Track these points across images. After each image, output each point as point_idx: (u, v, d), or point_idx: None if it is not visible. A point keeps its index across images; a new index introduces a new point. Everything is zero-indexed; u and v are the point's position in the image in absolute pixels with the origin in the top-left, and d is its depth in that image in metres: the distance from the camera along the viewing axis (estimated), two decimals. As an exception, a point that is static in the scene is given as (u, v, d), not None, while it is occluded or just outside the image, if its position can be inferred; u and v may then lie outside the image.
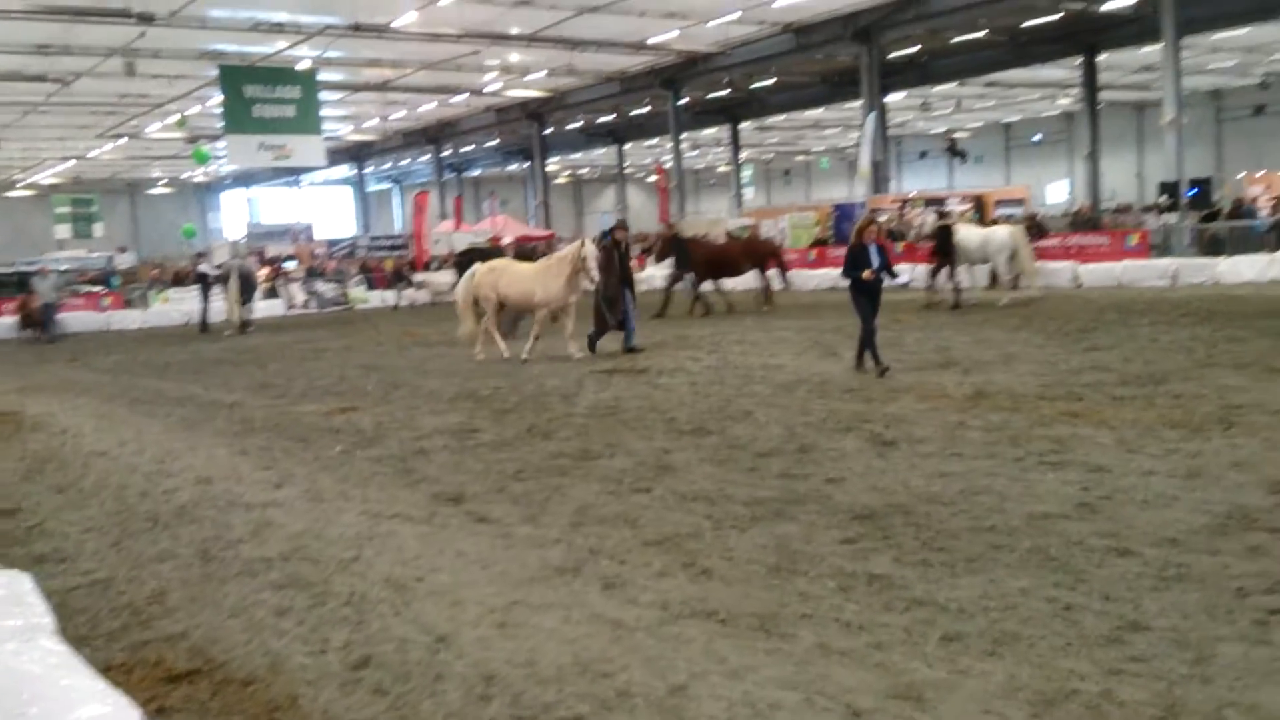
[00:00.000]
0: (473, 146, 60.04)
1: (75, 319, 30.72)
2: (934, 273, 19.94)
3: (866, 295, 12.02)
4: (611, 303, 15.58)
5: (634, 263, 18.39)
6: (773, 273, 22.95)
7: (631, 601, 5.07)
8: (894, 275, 12.60)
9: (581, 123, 51.98)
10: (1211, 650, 4.17)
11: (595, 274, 15.10)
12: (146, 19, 24.49)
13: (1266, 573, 4.90)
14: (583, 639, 4.66)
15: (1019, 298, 19.50)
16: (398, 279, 35.89)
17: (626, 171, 59.34)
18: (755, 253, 23.47)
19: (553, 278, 15.34)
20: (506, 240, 20.89)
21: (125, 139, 46.00)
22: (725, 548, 5.80)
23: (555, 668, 4.38)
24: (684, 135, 43.75)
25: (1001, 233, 20.09)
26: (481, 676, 4.35)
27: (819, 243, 34.18)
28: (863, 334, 12.09)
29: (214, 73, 30.92)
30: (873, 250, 12.03)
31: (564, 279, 15.21)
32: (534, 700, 4.12)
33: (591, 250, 15.24)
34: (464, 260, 19.14)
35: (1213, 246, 24.37)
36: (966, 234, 19.86)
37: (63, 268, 35.55)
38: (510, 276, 15.79)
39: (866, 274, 11.89)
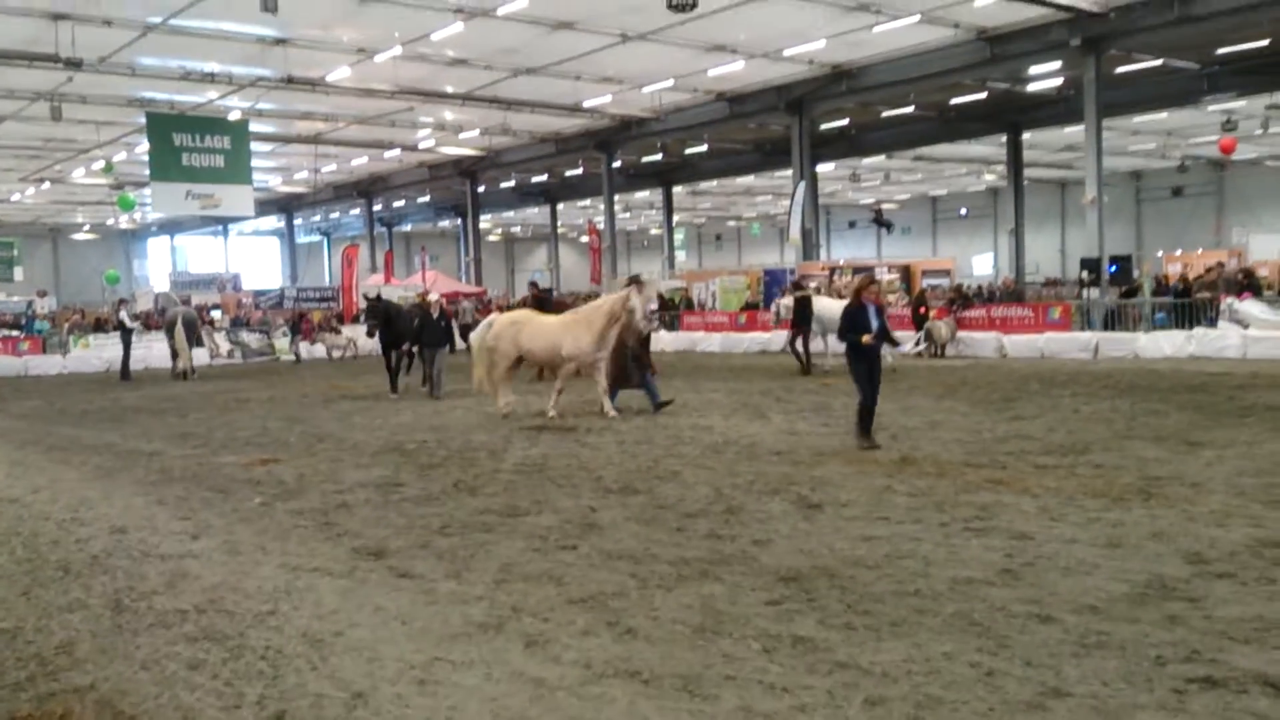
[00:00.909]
0: (404, 201, 60.08)
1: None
2: (792, 340, 21.43)
3: (866, 362, 11.09)
4: (638, 359, 14.98)
5: None
6: None
7: (554, 660, 5.00)
8: (894, 342, 11.86)
9: (514, 182, 52.29)
10: (1130, 718, 4.21)
11: (644, 325, 14.39)
12: (74, 64, 24.17)
13: (1184, 642, 4.97)
14: (503, 697, 4.57)
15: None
16: (294, 331, 35.05)
17: (559, 231, 59.65)
18: None
19: (583, 330, 14.34)
20: (433, 297, 20.79)
21: (49, 183, 45.22)
22: (650, 607, 5.75)
23: (475, 727, 4.29)
24: (617, 197, 44.22)
25: None
26: (399, 735, 4.24)
27: (749, 306, 34.55)
28: (861, 405, 11.11)
29: (142, 120, 30.60)
30: (871, 312, 11.09)
31: (596, 332, 14.23)
32: (453, 760, 4.02)
33: (639, 302, 14.21)
34: (371, 312, 19.25)
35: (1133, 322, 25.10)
36: (825, 305, 21.01)
37: None
38: (534, 329, 14.71)
39: (866, 339, 10.90)
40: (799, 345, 21.11)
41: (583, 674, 4.81)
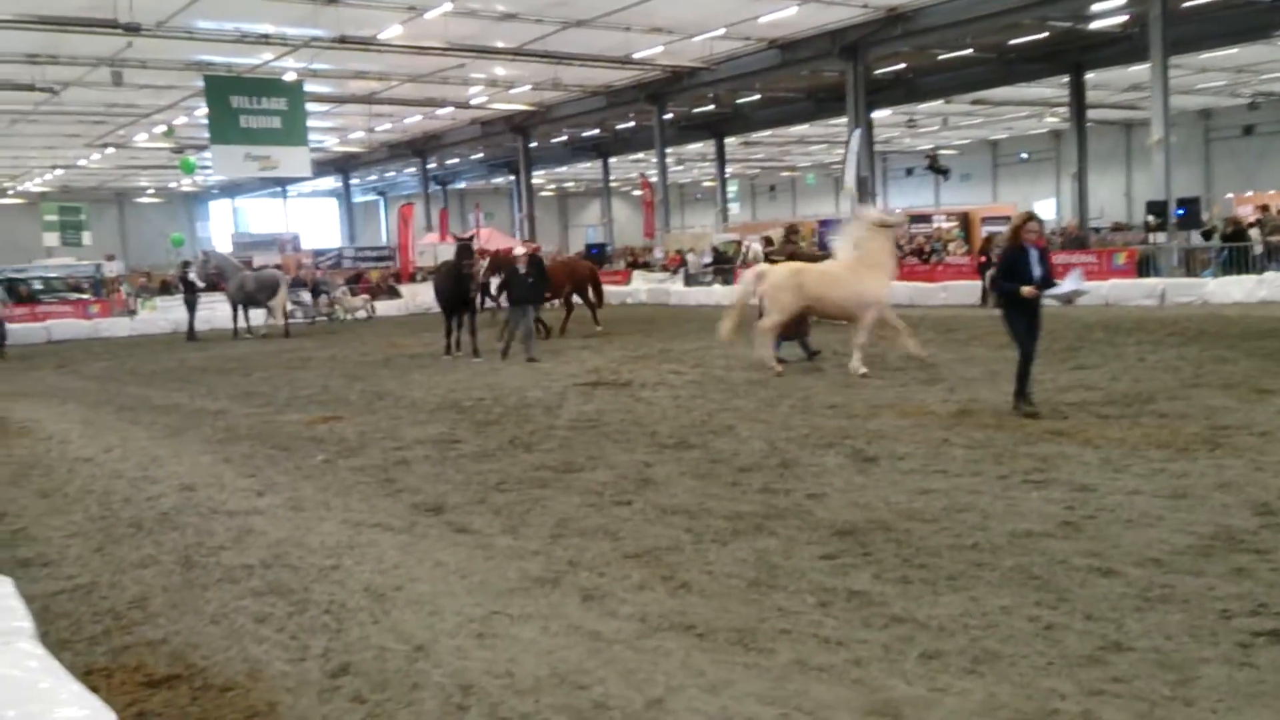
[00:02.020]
0: (458, 159, 60.12)
1: (62, 326, 30.77)
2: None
3: (1025, 315, 9.65)
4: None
5: None
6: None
7: (610, 614, 5.05)
8: (1056, 287, 9.85)
9: (566, 136, 52.09)
10: (1194, 672, 4.16)
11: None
12: (133, 29, 24.43)
13: (1251, 595, 4.89)
14: (560, 650, 4.64)
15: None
16: (312, 290, 33.88)
17: (611, 185, 59.43)
18: (575, 274, 22.96)
19: (881, 274, 13.31)
20: (519, 250, 20.57)
21: (113, 148, 45.92)
22: (705, 562, 5.78)
23: (533, 678, 4.37)
24: (669, 150, 43.87)
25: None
26: (459, 686, 4.33)
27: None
28: (1020, 363, 9.85)
29: (200, 83, 30.92)
30: (1033, 256, 9.56)
31: (889, 274, 13.50)
32: (511, 710, 4.10)
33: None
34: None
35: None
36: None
37: (11, 276, 34.77)
38: (826, 277, 13.48)
39: (1027, 291, 9.39)
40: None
41: (638, 628, 4.86)
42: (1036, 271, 9.50)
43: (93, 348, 26.70)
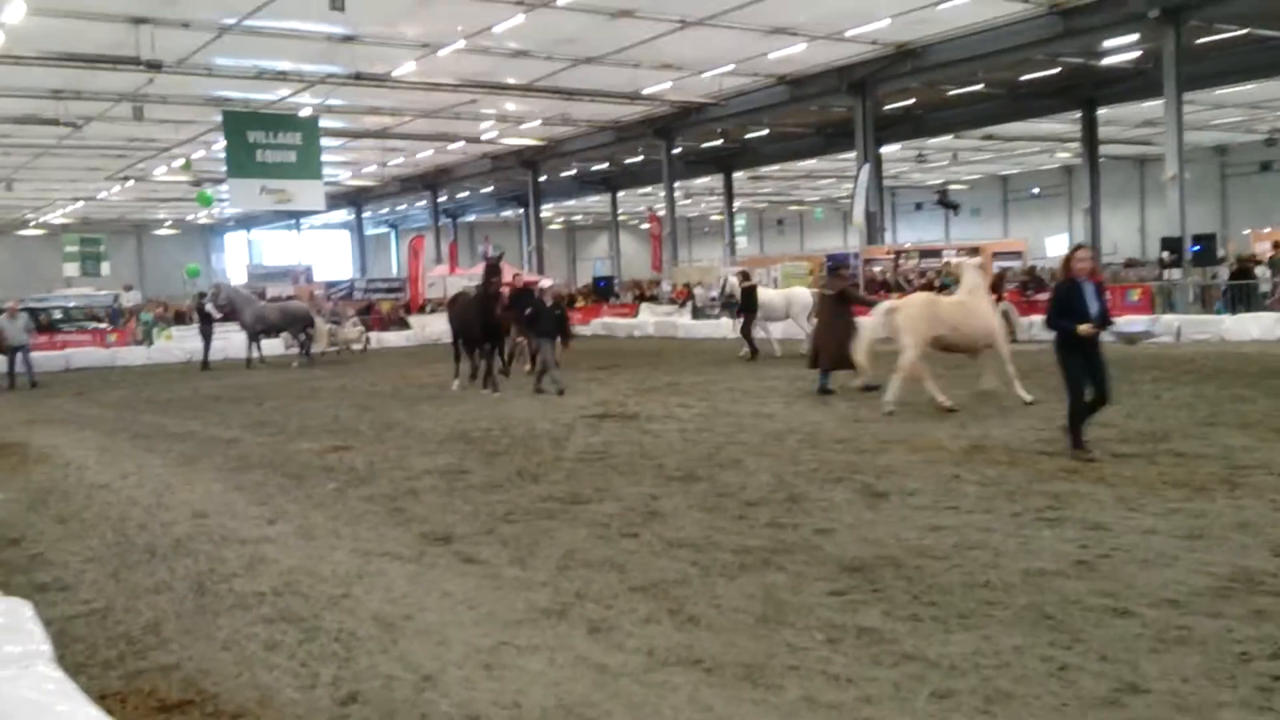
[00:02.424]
0: (468, 193, 60.58)
1: (81, 355, 31.03)
2: (743, 328, 22.39)
3: (1081, 355, 8.98)
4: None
5: None
6: None
7: (617, 647, 5.03)
8: (1110, 324, 9.37)
9: (575, 170, 52.40)
10: (1212, 716, 4.10)
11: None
12: (155, 66, 24.88)
13: (1270, 637, 4.81)
14: (567, 682, 4.62)
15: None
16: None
17: (619, 219, 59.73)
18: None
19: (990, 309, 13.74)
20: (546, 284, 20.24)
21: (133, 181, 46.44)
22: (712, 596, 5.76)
23: (539, 710, 4.35)
24: (677, 184, 44.01)
25: (803, 293, 23.00)
26: (466, 716, 4.32)
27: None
28: (1072, 405, 9.14)
29: (219, 118, 31.29)
30: (1088, 291, 8.95)
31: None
32: (518, 745, 4.07)
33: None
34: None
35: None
36: (770, 294, 22.99)
37: (33, 306, 34.84)
38: (963, 310, 13.29)
39: (1084, 329, 8.79)
40: (748, 331, 22.29)
41: (645, 661, 4.83)
42: (1093, 307, 8.88)
43: (110, 376, 26.84)
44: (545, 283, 19.29)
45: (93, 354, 31.48)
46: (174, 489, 9.73)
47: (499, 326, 17.47)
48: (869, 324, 13.85)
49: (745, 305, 22.08)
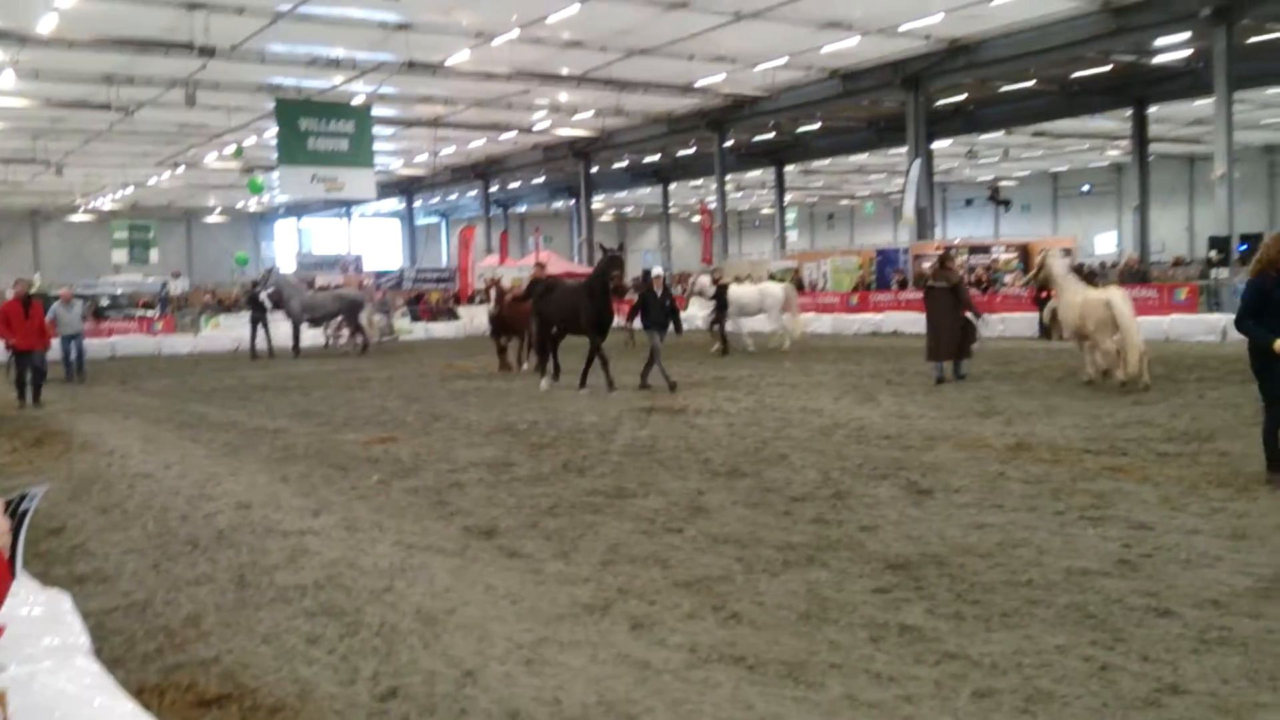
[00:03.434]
0: (519, 183, 60.78)
1: (127, 343, 31.36)
2: (713, 323, 23.39)
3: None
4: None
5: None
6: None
7: (659, 643, 5.04)
8: None
9: (627, 162, 52.46)
10: (1251, 717, 4.07)
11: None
12: (208, 52, 25.17)
13: (1312, 639, 4.78)
14: (609, 679, 4.64)
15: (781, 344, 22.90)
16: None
17: (670, 211, 59.66)
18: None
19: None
20: (657, 271, 19.26)
21: (183, 168, 47.02)
22: (756, 592, 5.76)
23: (580, 707, 4.36)
24: (729, 177, 43.98)
25: (775, 289, 23.87)
26: (506, 713, 4.34)
27: (863, 287, 34.15)
28: (1266, 421, 7.95)
29: (271, 105, 31.60)
30: None
31: None
32: (558, 739, 4.09)
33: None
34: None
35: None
36: (740, 290, 23.81)
37: (81, 293, 35.13)
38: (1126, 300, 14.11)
39: None
40: (720, 327, 23.12)
41: (687, 658, 4.84)
42: None
43: (156, 364, 27.23)
44: (656, 270, 18.37)
45: (139, 342, 31.84)
46: (218, 479, 9.80)
47: (610, 320, 16.31)
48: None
49: (717, 302, 23.14)
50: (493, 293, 19.56)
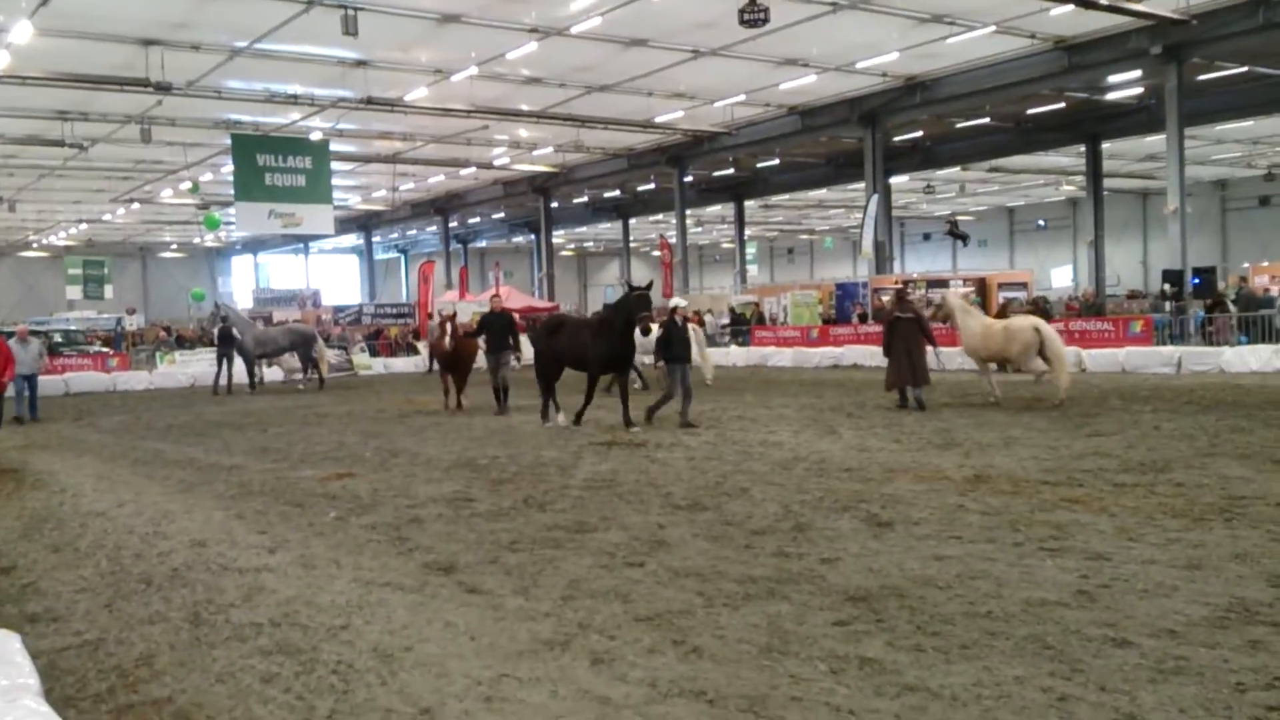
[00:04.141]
0: (479, 218, 60.88)
1: (81, 379, 30.90)
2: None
3: None
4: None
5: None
6: None
7: (620, 678, 5.01)
8: None
9: (587, 197, 52.68)
10: (1208, 746, 4.10)
11: None
12: (164, 88, 25.02)
13: (1266, 668, 4.82)
14: (569, 715, 4.59)
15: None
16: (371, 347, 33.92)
17: (631, 245, 59.91)
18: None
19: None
20: (677, 302, 18.31)
21: (138, 204, 46.64)
22: (716, 626, 5.74)
23: (540, 744, 4.31)
24: (689, 211, 44.35)
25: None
26: (465, 752, 4.28)
27: (824, 321, 34.41)
28: None
29: (227, 141, 31.48)
30: None
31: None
32: (517, 778, 4.04)
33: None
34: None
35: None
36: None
37: (45, 328, 34.54)
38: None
39: None
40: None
41: (648, 693, 4.81)
42: None
43: (111, 401, 26.87)
44: (677, 303, 17.07)
45: (93, 378, 31.37)
46: (172, 517, 9.67)
47: (630, 359, 16.31)
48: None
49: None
50: (448, 326, 19.05)
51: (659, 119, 33.73)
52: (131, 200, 45.92)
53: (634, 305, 15.02)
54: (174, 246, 68.12)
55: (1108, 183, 41.55)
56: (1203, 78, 28.81)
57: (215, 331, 29.53)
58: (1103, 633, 5.38)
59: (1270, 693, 4.55)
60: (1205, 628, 5.42)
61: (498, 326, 18.21)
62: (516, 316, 23.77)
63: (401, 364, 36.41)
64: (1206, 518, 7.93)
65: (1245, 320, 24.55)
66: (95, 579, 7.39)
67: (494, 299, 20.86)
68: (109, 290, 55.73)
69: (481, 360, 19.65)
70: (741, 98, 31.58)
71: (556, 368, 16.15)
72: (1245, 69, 28.49)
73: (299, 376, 28.60)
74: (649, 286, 15.76)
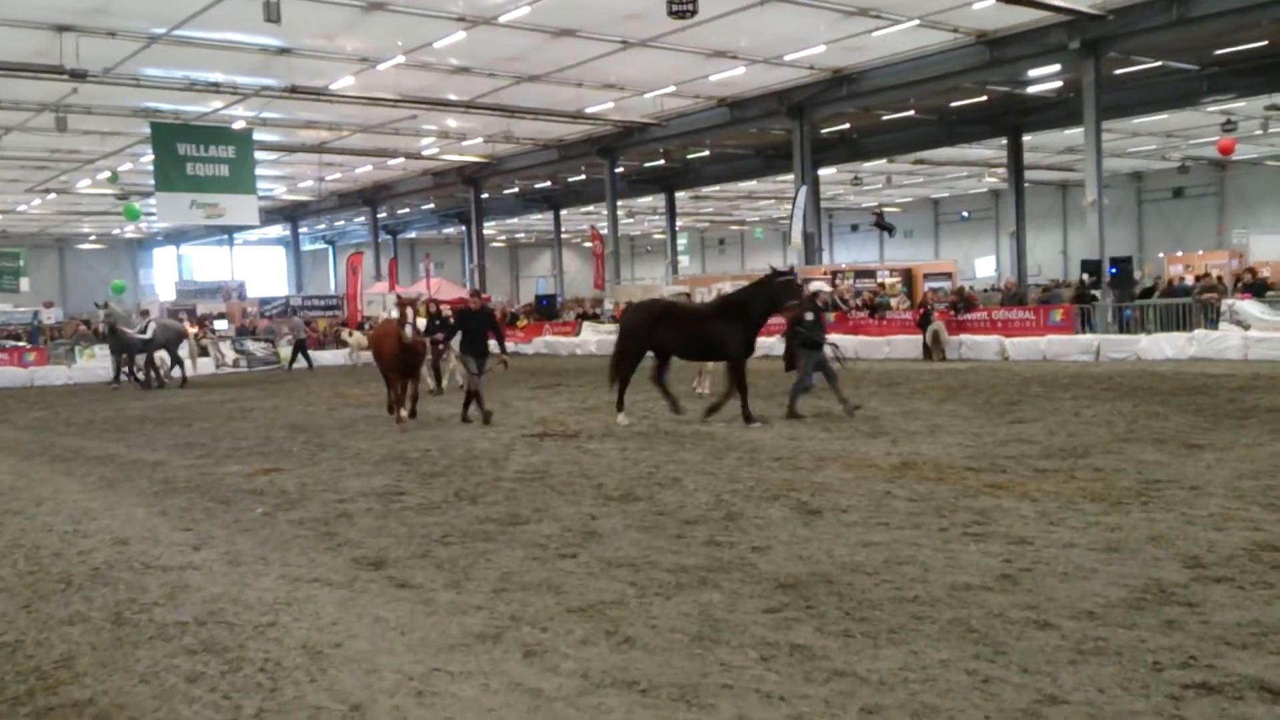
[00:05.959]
0: (408, 209, 60.27)
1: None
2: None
3: None
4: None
5: None
6: None
7: (552, 670, 5.01)
8: None
9: (518, 188, 52.42)
10: (1126, 724, 4.20)
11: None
12: (79, 75, 24.34)
13: (1181, 647, 4.97)
14: (501, 708, 4.59)
15: None
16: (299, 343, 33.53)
17: (563, 237, 59.77)
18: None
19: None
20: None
21: (54, 194, 45.41)
22: (649, 616, 5.76)
23: (472, 738, 4.30)
24: (620, 203, 44.30)
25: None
26: (396, 747, 4.25)
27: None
28: None
29: (147, 130, 30.77)
30: None
31: None
32: (449, 772, 4.03)
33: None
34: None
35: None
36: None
37: None
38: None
39: None
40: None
41: (580, 684, 4.82)
42: None
43: (28, 396, 26.17)
44: (820, 286, 16.56)
45: (10, 374, 30.54)
46: (93, 515, 9.47)
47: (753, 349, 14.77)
48: None
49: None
50: (408, 313, 15.60)
51: (589, 110, 33.67)
52: (48, 190, 44.71)
53: (778, 292, 14.01)
54: (93, 238, 66.49)
55: (1029, 174, 42.40)
56: (1119, 72, 29.51)
57: (105, 329, 28.86)
58: (1025, 615, 5.50)
59: (1186, 671, 4.68)
60: (1123, 609, 5.57)
61: (476, 324, 15.68)
62: (497, 312, 22.72)
63: (329, 357, 35.93)
64: (1124, 501, 8.15)
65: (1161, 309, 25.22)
66: (12, 579, 7.21)
67: (473, 293, 19.72)
68: (25, 283, 54.16)
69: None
70: (671, 89, 31.64)
71: (637, 359, 14.83)
72: (1160, 64, 29.22)
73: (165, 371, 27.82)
74: (791, 271, 14.82)
